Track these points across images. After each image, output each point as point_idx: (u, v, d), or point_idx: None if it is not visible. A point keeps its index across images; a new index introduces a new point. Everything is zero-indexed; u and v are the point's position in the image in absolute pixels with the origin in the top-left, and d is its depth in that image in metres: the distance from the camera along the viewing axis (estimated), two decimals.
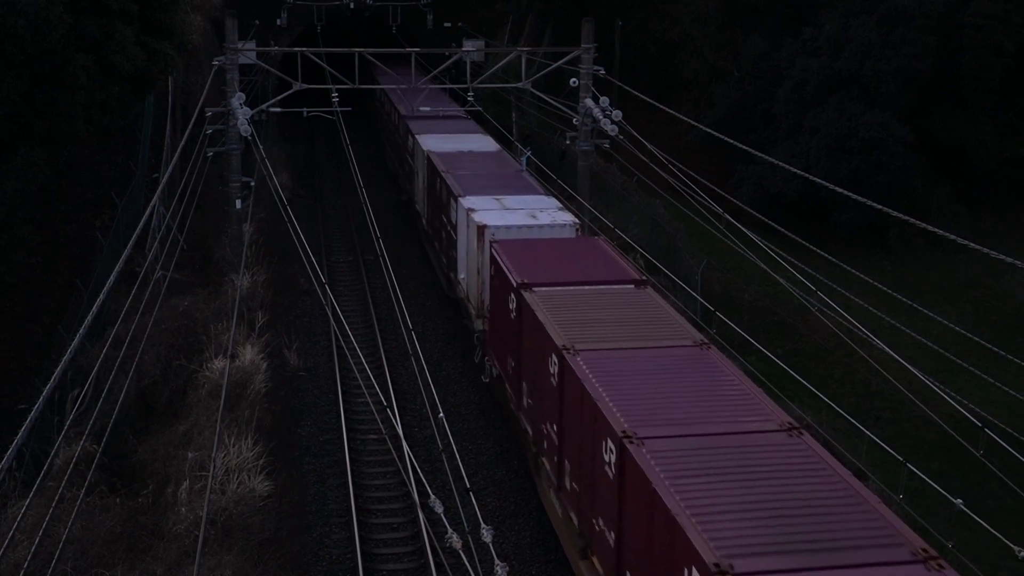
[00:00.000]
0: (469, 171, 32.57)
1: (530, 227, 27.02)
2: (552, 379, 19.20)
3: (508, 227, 26.75)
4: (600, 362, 17.85)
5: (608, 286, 22.06)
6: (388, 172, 50.36)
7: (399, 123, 44.41)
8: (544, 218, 27.72)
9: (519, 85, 35.99)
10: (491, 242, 25.38)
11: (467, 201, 28.90)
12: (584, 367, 17.74)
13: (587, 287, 21.92)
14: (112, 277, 16.21)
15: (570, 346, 18.52)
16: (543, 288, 21.67)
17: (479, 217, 27.35)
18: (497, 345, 24.76)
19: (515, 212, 28.00)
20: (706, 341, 19.22)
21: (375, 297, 35.09)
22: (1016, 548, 14.32)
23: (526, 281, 21.89)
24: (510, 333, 22.86)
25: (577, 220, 28.05)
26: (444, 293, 33.89)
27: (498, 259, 23.94)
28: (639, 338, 19.12)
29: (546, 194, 30.68)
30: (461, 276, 29.01)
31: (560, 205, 29.23)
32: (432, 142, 37.10)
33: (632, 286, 22.18)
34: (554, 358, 19.00)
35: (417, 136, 38.35)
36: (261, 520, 20.68)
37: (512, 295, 22.39)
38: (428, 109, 40.33)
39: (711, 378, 17.37)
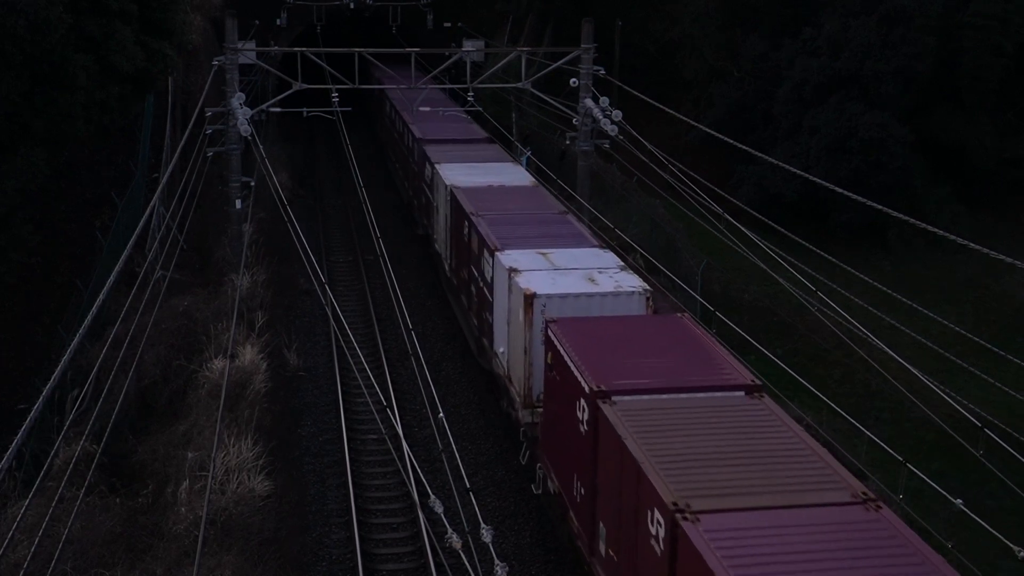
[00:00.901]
0: (504, 214, 27.83)
1: (590, 296, 21.93)
2: (655, 545, 13.87)
3: (563, 296, 21.74)
4: (735, 539, 12.50)
5: (713, 393, 16.75)
6: (388, 172, 50.36)
7: (414, 146, 39.39)
8: (606, 283, 22.53)
9: (519, 85, 35.99)
10: (546, 321, 20.28)
11: (507, 257, 24.04)
12: (714, 553, 12.17)
13: (684, 395, 16.73)
14: (112, 277, 16.21)
15: (684, 506, 13.16)
16: (627, 397, 16.53)
17: (526, 282, 22.29)
18: (556, 454, 19.68)
19: (568, 274, 23.03)
20: (873, 498, 13.56)
21: (375, 297, 35.09)
22: (1016, 548, 14.33)
23: (603, 388, 16.70)
24: (578, 448, 17.73)
25: (648, 287, 22.50)
26: (475, 361, 28.32)
27: (557, 345, 19.01)
28: (777, 488, 13.71)
29: (600, 244, 25.60)
30: (500, 350, 24.19)
31: (620, 263, 24.11)
32: (456, 174, 32.30)
33: (742, 393, 16.82)
34: (659, 518, 13.67)
35: (437, 166, 33.62)
36: (261, 520, 20.68)
37: (583, 402, 17.34)
38: (428, 109, 40.19)
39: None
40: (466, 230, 28.20)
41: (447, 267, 32.12)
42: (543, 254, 24.40)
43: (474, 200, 28.99)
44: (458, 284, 30.28)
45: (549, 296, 21.61)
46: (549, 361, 19.68)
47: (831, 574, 11.95)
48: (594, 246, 25.43)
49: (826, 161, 43.03)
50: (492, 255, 24.71)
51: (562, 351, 18.64)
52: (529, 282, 22.27)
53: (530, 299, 21.61)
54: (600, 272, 23.14)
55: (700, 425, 15.46)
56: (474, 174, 32.28)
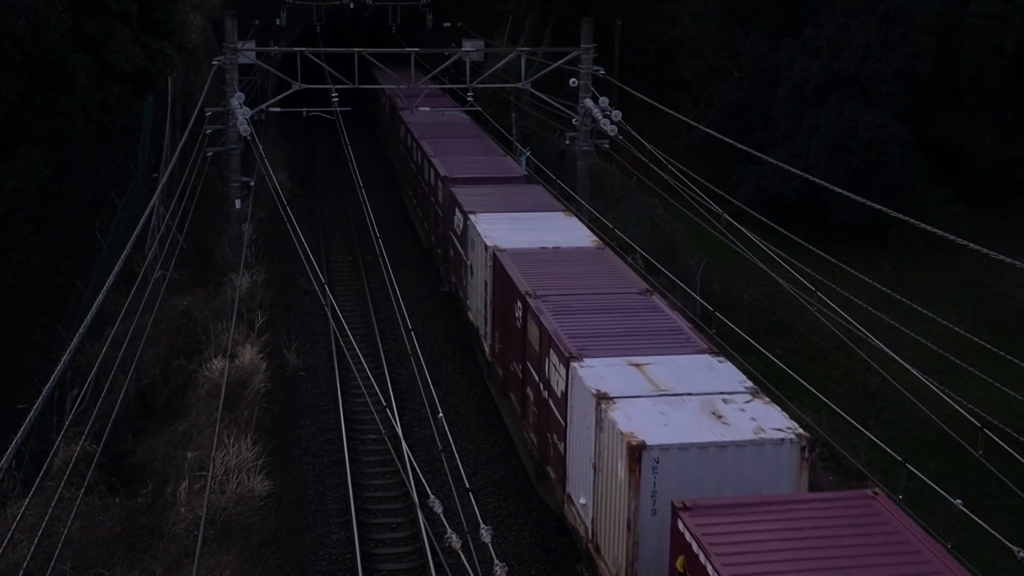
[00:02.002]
0: (572, 296, 21.73)
1: (722, 447, 15.65)
2: None
3: (684, 448, 15.52)
4: None
5: None
6: (388, 172, 50.34)
7: (438, 184, 33.27)
8: (739, 422, 16.27)
9: (519, 85, 35.98)
10: (675, 508, 14.00)
11: (590, 372, 17.82)
12: None
13: None
14: (111, 277, 16.20)
15: None
16: None
17: (625, 420, 16.11)
18: None
19: (682, 404, 16.82)
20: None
21: (374, 297, 35.08)
22: (1016, 548, 14.33)
23: None
24: None
25: (801, 430, 16.24)
26: (520, 456, 23.66)
27: (704, 560, 12.88)
28: None
29: (710, 348, 19.28)
30: (580, 501, 18.15)
31: (746, 381, 17.85)
32: (498, 230, 26.22)
33: None
34: None
35: (472, 217, 27.38)
36: (260, 520, 20.68)
37: None
38: (428, 109, 40.07)
39: None
40: (519, 313, 22.06)
41: (487, 348, 25.63)
42: (637, 366, 18.16)
43: (528, 272, 22.88)
44: (504, 377, 23.97)
45: (664, 448, 15.45)
46: (681, 569, 13.55)
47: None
48: (702, 349, 19.12)
49: (826, 161, 43.03)
50: (566, 364, 18.54)
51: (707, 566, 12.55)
52: (631, 421, 16.06)
53: (636, 452, 15.33)
54: (725, 400, 16.92)
55: None
56: (521, 230, 26.15)
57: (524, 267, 23.18)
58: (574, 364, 18.25)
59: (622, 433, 15.77)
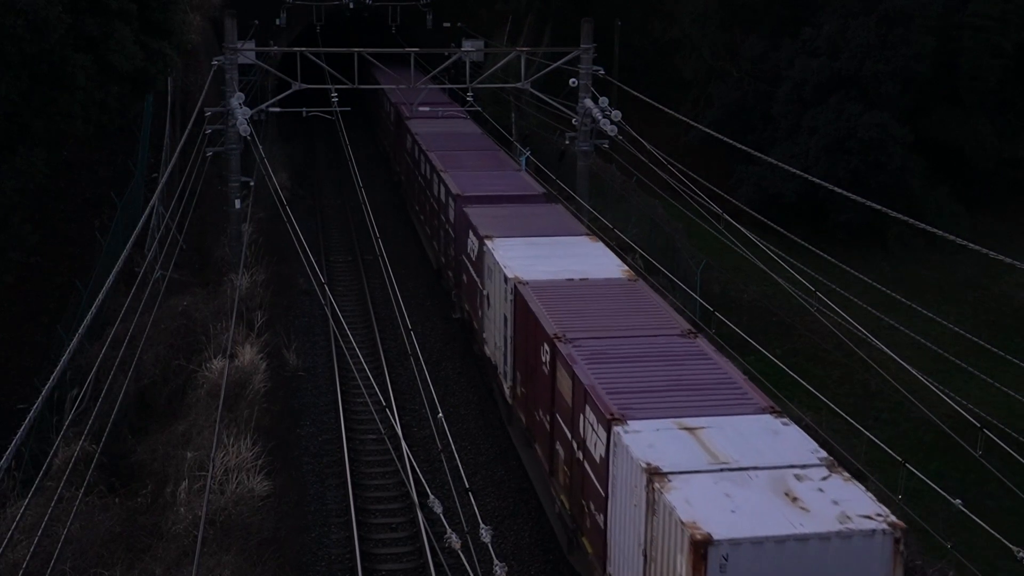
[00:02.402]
0: (608, 341, 19.12)
1: (803, 539, 13.25)
2: None
3: (758, 542, 13.15)
4: None
5: None
6: (387, 172, 50.35)
7: (449, 202, 31.14)
8: (819, 506, 13.77)
9: (518, 85, 35.97)
10: None
11: (637, 440, 15.23)
12: None
13: None
14: (111, 277, 16.20)
15: None
16: None
17: (685, 507, 13.65)
18: None
19: (748, 481, 14.30)
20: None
21: (374, 297, 35.07)
22: (1015, 549, 14.32)
23: None
24: None
25: (893, 517, 13.72)
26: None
27: None
28: None
29: (769, 406, 16.53)
30: None
31: (819, 450, 15.22)
32: (518, 258, 23.87)
33: None
34: None
35: (489, 243, 25.05)
36: (260, 520, 20.67)
37: None
38: (427, 109, 40.03)
39: None
40: (546, 358, 19.63)
41: (507, 390, 23.40)
42: (690, 430, 15.58)
43: (555, 309, 20.51)
44: (528, 425, 21.59)
45: (734, 542, 13.02)
46: None
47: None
48: (762, 407, 16.41)
49: (825, 161, 43.06)
50: (606, 427, 15.95)
51: None
52: (691, 506, 13.64)
53: (701, 548, 12.95)
54: (798, 477, 14.36)
55: None
56: (543, 258, 23.91)
57: (550, 303, 20.80)
58: (617, 428, 15.61)
59: (682, 522, 13.24)
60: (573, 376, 17.78)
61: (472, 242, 26.94)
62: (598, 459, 16.42)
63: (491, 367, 25.05)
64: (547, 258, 23.88)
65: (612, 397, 16.61)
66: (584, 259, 24.02)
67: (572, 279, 22.48)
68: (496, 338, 24.18)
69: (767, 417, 16.09)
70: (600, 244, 25.60)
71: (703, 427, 15.63)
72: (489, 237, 25.34)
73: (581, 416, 17.44)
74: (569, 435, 18.24)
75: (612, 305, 21.00)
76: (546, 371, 19.48)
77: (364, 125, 59.82)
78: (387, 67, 36.47)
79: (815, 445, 15.26)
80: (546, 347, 19.46)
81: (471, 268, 27.18)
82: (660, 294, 20.83)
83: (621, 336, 19.29)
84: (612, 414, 16.02)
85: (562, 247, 25.04)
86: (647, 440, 15.20)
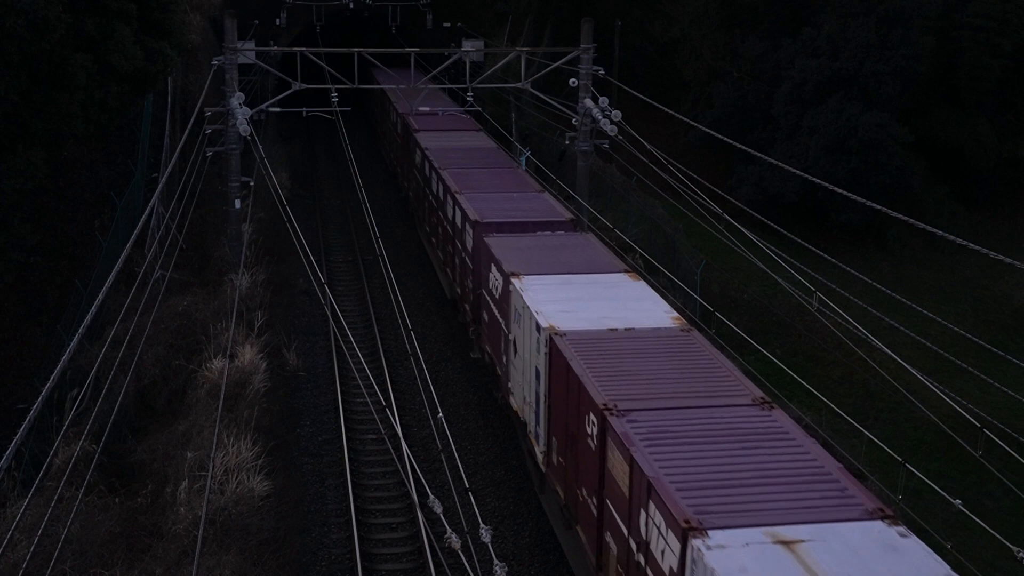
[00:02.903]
0: (667, 414, 15.90)
1: None
2: None
3: None
4: None
5: None
6: (386, 171, 50.34)
7: (465, 227, 28.46)
8: None
9: (518, 85, 35.98)
10: None
11: (727, 566, 12.15)
12: None
13: None
14: (111, 277, 16.19)
15: None
16: None
17: None
18: None
19: None
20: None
21: (374, 297, 35.08)
22: (1015, 549, 14.33)
23: None
24: None
25: None
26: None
27: None
28: None
29: (881, 508, 13.29)
30: None
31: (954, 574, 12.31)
32: (550, 300, 20.87)
33: None
34: None
35: (516, 282, 22.07)
36: (260, 520, 20.68)
37: None
38: (428, 109, 39.98)
39: None
40: (592, 430, 16.47)
41: (540, 455, 20.33)
42: (787, 544, 12.52)
43: (601, 370, 17.42)
44: (568, 502, 18.50)
45: None
46: None
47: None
48: (870, 511, 13.25)
49: (825, 161, 43.07)
50: (680, 536, 12.93)
51: None
52: None
53: None
54: None
55: None
56: (580, 300, 21.08)
57: (594, 362, 17.70)
58: (696, 542, 12.50)
59: None
60: (631, 461, 14.69)
61: (495, 278, 24.01)
62: (667, 571, 13.50)
63: (519, 423, 21.94)
64: (585, 302, 20.93)
65: (685, 496, 13.55)
66: (627, 303, 20.93)
67: (616, 329, 19.37)
68: (525, 392, 21.13)
69: (879, 525, 12.95)
70: (642, 284, 22.37)
71: (803, 540, 12.57)
72: (516, 275, 22.39)
73: (642, 512, 14.42)
74: (625, 531, 15.24)
75: (666, 363, 17.82)
76: (593, 446, 16.38)
77: (364, 125, 59.86)
78: (387, 67, 36.46)
79: (947, 568, 12.22)
80: (593, 418, 16.39)
81: (493, 307, 24.21)
82: (718, 346, 18.53)
83: (683, 407, 16.07)
84: (688, 521, 12.91)
85: (600, 288, 21.96)
86: (737, 561, 12.11)
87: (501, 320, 23.34)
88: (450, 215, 30.93)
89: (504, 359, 23.16)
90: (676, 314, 20.47)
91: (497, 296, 23.81)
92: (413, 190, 40.62)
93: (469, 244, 27.62)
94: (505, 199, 29.66)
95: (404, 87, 36.30)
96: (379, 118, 54.66)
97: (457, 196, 29.88)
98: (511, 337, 22.28)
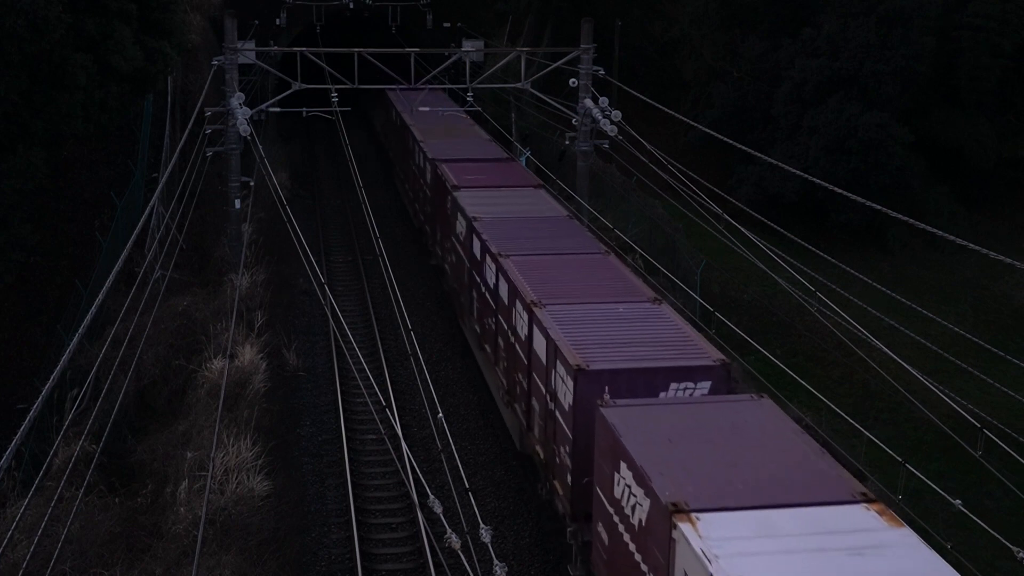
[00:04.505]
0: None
1: None
2: None
3: None
4: None
5: None
6: (387, 171, 50.32)
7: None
8: None
9: (518, 85, 35.97)
10: None
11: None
12: None
13: None
14: (111, 277, 16.19)
15: None
16: None
17: None
18: None
19: None
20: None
21: (374, 297, 35.08)
22: (1015, 549, 14.33)
23: None
24: None
25: None
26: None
27: None
28: None
29: None
30: None
31: None
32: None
33: None
34: None
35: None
36: (260, 520, 20.68)
37: None
38: (428, 109, 39.97)
39: None
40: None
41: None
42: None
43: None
44: None
45: None
46: None
47: None
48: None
49: (825, 161, 43.07)
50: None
51: None
52: None
53: None
54: None
55: None
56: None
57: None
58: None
59: None
60: None
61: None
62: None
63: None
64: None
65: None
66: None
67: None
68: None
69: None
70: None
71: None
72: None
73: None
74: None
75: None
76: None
77: (364, 125, 59.86)
78: (387, 67, 36.38)
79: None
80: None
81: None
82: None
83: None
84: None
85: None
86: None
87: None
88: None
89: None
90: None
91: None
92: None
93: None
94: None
95: (404, 87, 36.16)
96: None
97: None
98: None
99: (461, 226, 28.56)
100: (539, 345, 20.19)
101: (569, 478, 18.12)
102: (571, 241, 26.00)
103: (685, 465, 14.14)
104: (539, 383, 20.20)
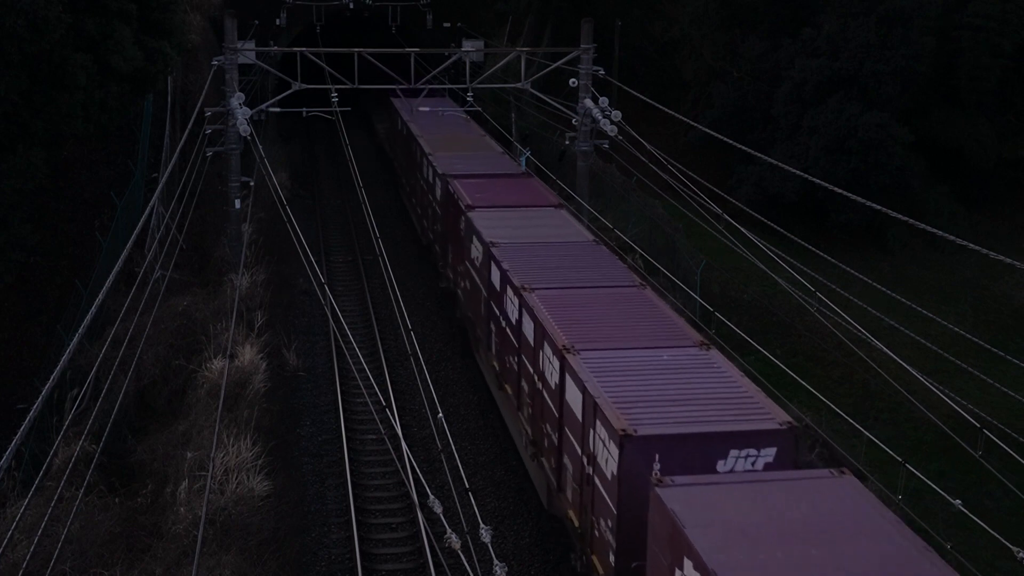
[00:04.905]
0: None
1: None
2: None
3: None
4: None
5: None
6: (386, 171, 50.33)
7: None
8: None
9: (518, 85, 35.97)
10: None
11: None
12: None
13: None
14: (111, 277, 16.19)
15: None
16: None
17: None
18: None
19: None
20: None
21: (374, 297, 35.09)
22: (1015, 549, 14.33)
23: None
24: None
25: None
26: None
27: None
28: None
29: None
30: None
31: None
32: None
33: None
34: None
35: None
36: (260, 520, 20.68)
37: None
38: (428, 109, 39.88)
39: None
40: None
41: None
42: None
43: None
44: None
45: None
46: None
47: None
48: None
49: (825, 161, 43.06)
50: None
51: None
52: None
53: None
54: None
55: None
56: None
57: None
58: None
59: None
60: None
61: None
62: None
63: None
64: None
65: None
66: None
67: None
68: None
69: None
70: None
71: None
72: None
73: None
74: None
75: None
76: None
77: (364, 125, 59.86)
78: (387, 68, 36.36)
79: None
80: None
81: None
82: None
83: None
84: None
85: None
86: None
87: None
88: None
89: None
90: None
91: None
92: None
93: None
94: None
95: (404, 87, 36.14)
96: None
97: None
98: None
99: (477, 251, 26.74)
100: (573, 397, 18.05)
101: (612, 558, 16.00)
102: (601, 272, 23.93)
103: (766, 570, 12.18)
104: (573, 441, 18.00)
